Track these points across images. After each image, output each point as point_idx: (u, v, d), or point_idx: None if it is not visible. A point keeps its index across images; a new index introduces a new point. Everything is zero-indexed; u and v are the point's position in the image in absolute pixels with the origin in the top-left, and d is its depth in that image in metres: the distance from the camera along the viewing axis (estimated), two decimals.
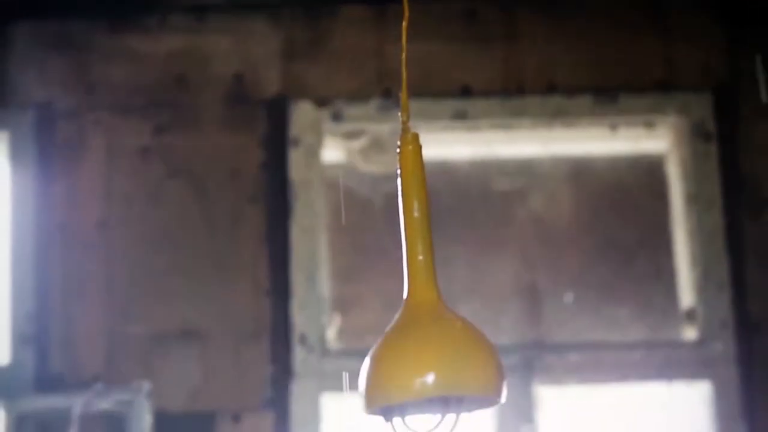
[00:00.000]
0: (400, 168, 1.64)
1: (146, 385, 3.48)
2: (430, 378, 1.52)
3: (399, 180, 1.64)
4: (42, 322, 3.61)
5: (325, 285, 3.66)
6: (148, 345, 3.60)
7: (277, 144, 3.72)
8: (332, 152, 3.80)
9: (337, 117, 3.75)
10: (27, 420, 3.53)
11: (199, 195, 3.68)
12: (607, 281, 3.74)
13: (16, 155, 3.73)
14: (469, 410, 1.61)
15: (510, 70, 3.78)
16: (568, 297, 3.69)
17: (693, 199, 3.70)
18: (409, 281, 1.62)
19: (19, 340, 3.61)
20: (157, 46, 3.79)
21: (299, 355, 3.57)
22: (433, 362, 1.52)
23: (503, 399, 1.59)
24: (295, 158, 3.69)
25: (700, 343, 3.64)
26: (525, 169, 3.83)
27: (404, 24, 1.68)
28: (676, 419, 3.63)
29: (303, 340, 3.58)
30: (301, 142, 3.71)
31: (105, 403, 3.48)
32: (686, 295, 3.70)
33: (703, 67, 3.78)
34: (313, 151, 3.70)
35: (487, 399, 1.59)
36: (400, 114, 1.66)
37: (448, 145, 3.81)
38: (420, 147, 1.65)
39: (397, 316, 1.61)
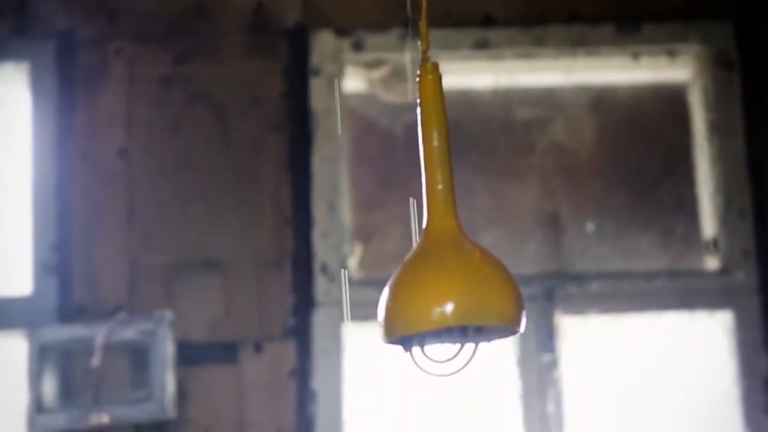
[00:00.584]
0: (420, 97, 1.63)
1: (168, 315, 3.50)
2: (449, 307, 1.52)
3: (419, 109, 1.63)
4: (64, 252, 3.63)
5: (346, 214, 3.67)
6: (170, 274, 3.61)
7: (298, 73, 3.71)
8: (353, 82, 3.78)
9: (357, 46, 3.74)
10: (49, 350, 3.56)
11: (221, 124, 3.68)
12: (629, 210, 3.73)
13: (37, 85, 3.73)
14: (488, 340, 1.62)
15: None
16: (590, 226, 3.69)
17: (715, 127, 3.68)
18: (429, 210, 1.61)
19: (42, 269, 3.63)
20: None
21: (321, 285, 3.58)
22: (452, 291, 1.53)
23: (522, 329, 1.59)
24: (316, 87, 3.68)
25: (722, 272, 3.64)
26: (547, 98, 3.80)
27: None
28: (698, 349, 3.63)
29: (324, 269, 3.59)
30: (322, 71, 3.69)
31: (127, 333, 3.50)
32: (708, 224, 3.69)
33: None
34: (334, 81, 3.69)
35: (506, 329, 1.59)
36: (420, 43, 1.66)
37: (469, 74, 3.79)
38: (440, 76, 1.64)
39: (415, 245, 1.61)
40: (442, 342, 1.60)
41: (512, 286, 1.57)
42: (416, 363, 1.60)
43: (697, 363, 3.63)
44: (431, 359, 1.59)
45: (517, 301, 1.56)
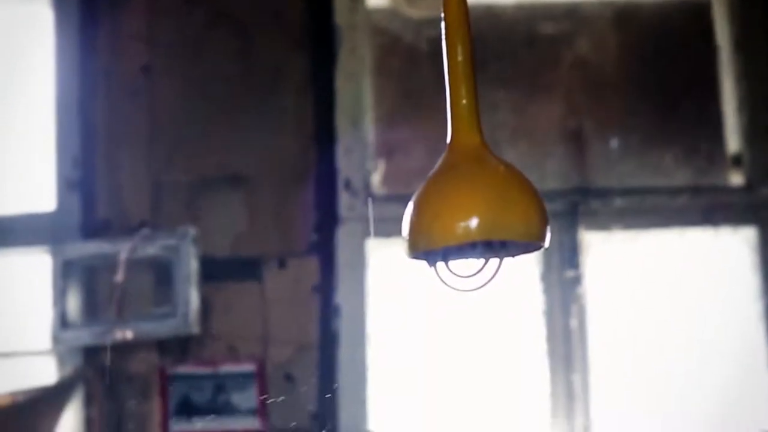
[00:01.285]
0: (444, 12, 1.62)
1: (192, 231, 3.51)
2: (474, 222, 1.51)
3: (443, 24, 1.61)
4: (87, 168, 3.64)
5: (369, 130, 3.66)
6: (194, 191, 3.62)
7: None
8: None
9: None
10: (73, 265, 3.58)
11: (243, 41, 3.66)
12: (653, 126, 3.71)
13: (60, 1, 3.72)
14: (513, 255, 1.61)
15: None
16: (614, 142, 3.67)
17: (739, 44, 3.65)
18: (453, 125, 1.60)
19: (65, 185, 3.64)
20: None
21: (344, 201, 3.58)
22: (477, 206, 1.52)
23: (546, 244, 1.58)
24: (340, 3, 3.65)
25: (746, 188, 3.62)
26: (571, 13, 3.77)
27: None
28: (721, 266, 3.63)
29: (348, 185, 3.59)
30: None
31: (151, 249, 3.52)
32: (732, 140, 3.67)
33: None
34: None
35: (531, 244, 1.59)
36: None
37: None
38: None
39: (440, 160, 1.60)
40: (467, 257, 1.60)
41: (537, 201, 1.56)
42: (440, 278, 1.60)
43: (720, 279, 3.63)
44: (455, 274, 1.59)
45: (542, 216, 1.56)
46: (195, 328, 3.49)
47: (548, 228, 1.57)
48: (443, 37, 1.61)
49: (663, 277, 3.61)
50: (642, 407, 3.53)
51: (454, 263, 1.60)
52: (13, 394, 3.50)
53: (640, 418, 3.52)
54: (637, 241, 3.64)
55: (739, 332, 3.58)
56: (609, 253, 3.63)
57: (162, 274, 3.56)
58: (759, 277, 3.57)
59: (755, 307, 3.57)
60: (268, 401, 3.48)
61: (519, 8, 3.76)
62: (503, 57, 3.72)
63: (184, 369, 3.55)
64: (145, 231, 3.53)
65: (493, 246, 1.58)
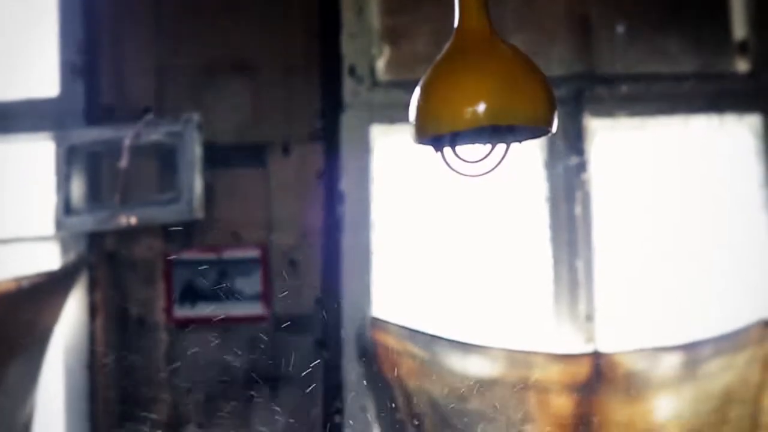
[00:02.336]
0: None
1: (196, 117, 3.49)
2: (481, 106, 1.51)
3: None
4: (91, 54, 3.61)
5: (374, 15, 3.62)
6: (199, 77, 3.60)
7: None
8: None
9: None
10: (77, 151, 3.57)
11: None
12: (659, 12, 3.67)
13: None
14: (520, 140, 1.61)
15: None
16: (620, 28, 3.64)
17: None
18: (460, 9, 1.59)
19: (69, 71, 3.62)
20: None
21: (349, 87, 3.56)
22: (485, 91, 1.51)
23: (554, 129, 1.58)
24: None
25: (752, 74, 3.60)
26: None
27: None
28: (725, 153, 3.62)
29: (352, 71, 3.56)
30: None
31: (155, 135, 3.51)
32: (739, 26, 3.63)
33: None
34: None
35: (538, 129, 1.58)
36: None
37: None
38: None
39: (447, 45, 1.59)
40: (473, 142, 1.60)
41: (544, 86, 1.55)
42: (447, 163, 1.60)
43: (724, 167, 3.62)
44: (462, 159, 1.59)
45: (549, 101, 1.55)
46: (199, 214, 3.49)
47: (556, 113, 1.57)
48: None
49: (668, 164, 3.61)
50: (646, 294, 3.56)
51: (460, 148, 1.60)
52: (17, 279, 3.52)
53: (643, 304, 3.55)
54: (643, 128, 3.63)
55: (742, 220, 3.59)
56: (614, 139, 3.62)
57: (166, 160, 3.55)
58: (763, 164, 3.57)
59: (759, 194, 3.57)
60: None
61: None
62: None
63: (188, 255, 3.56)
64: (149, 117, 3.52)
65: (501, 131, 1.58)
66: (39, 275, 3.56)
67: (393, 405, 3.33)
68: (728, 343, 3.45)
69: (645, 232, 3.59)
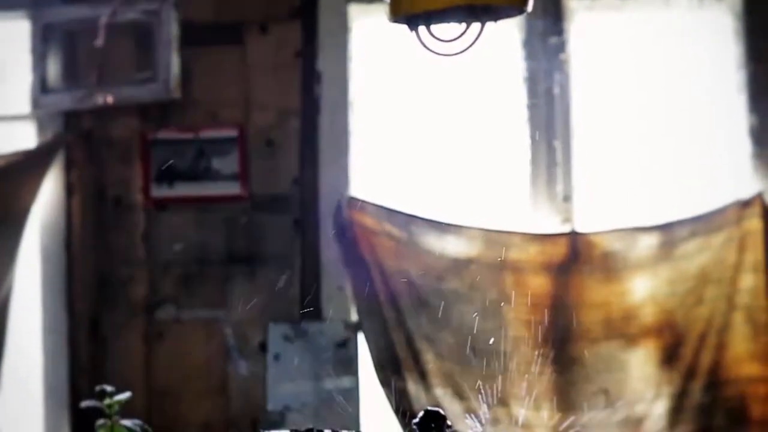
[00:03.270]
0: None
1: None
2: None
3: None
4: None
5: None
6: None
7: None
8: None
9: None
10: (53, 30, 3.54)
11: None
12: None
13: None
14: (495, 19, 1.59)
15: None
16: None
17: None
18: None
19: None
20: None
21: None
22: None
23: (529, 8, 1.56)
24: None
25: None
26: None
27: None
28: (705, 34, 3.59)
29: None
30: None
31: (131, 13, 3.47)
32: None
33: None
34: None
35: (513, 8, 1.56)
36: None
37: None
38: None
39: None
40: (449, 21, 1.58)
41: None
42: (422, 42, 1.58)
43: (703, 48, 3.60)
44: (437, 38, 1.58)
45: None
46: (176, 94, 3.47)
47: None
48: None
49: (647, 44, 3.58)
50: (623, 175, 3.56)
51: (436, 27, 1.58)
52: None
53: (621, 185, 3.55)
54: (622, 9, 3.59)
55: (720, 101, 3.58)
56: (593, 20, 3.59)
57: (143, 38, 3.52)
58: (741, 45, 3.54)
59: (737, 76, 3.55)
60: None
61: None
62: None
63: (165, 134, 3.55)
64: None
65: (476, 11, 1.56)
66: (15, 154, 3.55)
67: (370, 284, 3.34)
68: (705, 223, 3.46)
69: (623, 112, 3.58)
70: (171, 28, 3.45)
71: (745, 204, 3.46)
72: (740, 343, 3.46)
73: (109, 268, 3.54)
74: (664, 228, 3.47)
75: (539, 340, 3.36)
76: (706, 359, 3.45)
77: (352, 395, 3.34)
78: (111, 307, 3.53)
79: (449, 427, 1.55)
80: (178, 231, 3.53)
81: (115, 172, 3.57)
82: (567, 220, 3.50)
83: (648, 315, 3.44)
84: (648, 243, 3.46)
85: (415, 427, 1.56)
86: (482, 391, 3.33)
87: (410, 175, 3.53)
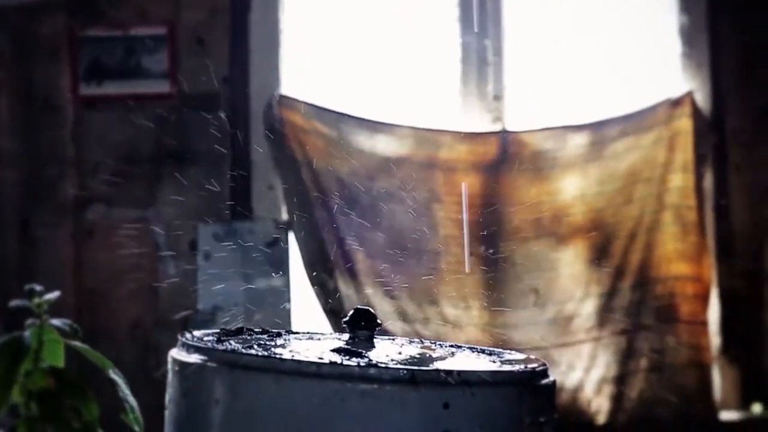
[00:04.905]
0: None
1: None
2: None
3: None
4: None
5: None
6: None
7: None
8: None
9: None
10: None
11: None
12: None
13: None
14: None
15: None
16: None
17: None
18: None
19: None
20: None
21: None
22: None
23: None
24: None
25: None
26: None
27: None
28: None
29: None
30: None
31: None
32: None
33: None
34: None
35: None
36: None
37: None
38: None
39: None
40: None
41: None
42: None
43: None
44: None
45: None
46: None
47: None
48: None
49: None
50: (554, 74, 3.55)
51: None
52: None
53: (552, 84, 3.54)
54: None
55: (656, 48, 3.56)
56: None
57: None
58: None
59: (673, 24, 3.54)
60: None
61: None
62: None
63: (94, 32, 3.50)
64: None
65: None
66: None
67: (300, 184, 3.34)
68: (635, 123, 3.47)
69: (554, 11, 3.56)
70: None
71: (675, 103, 3.47)
72: (669, 243, 3.49)
73: (38, 168, 3.51)
74: (594, 127, 3.48)
75: (469, 239, 3.37)
76: (635, 258, 3.48)
77: (282, 295, 3.35)
78: (40, 206, 3.51)
79: (379, 325, 1.56)
80: (107, 130, 3.49)
81: (43, 71, 3.52)
82: (498, 119, 3.50)
83: (578, 214, 3.46)
84: (578, 142, 3.47)
85: (345, 325, 1.56)
86: (412, 291, 3.35)
87: (341, 73, 3.51)
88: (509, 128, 3.47)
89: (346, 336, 1.59)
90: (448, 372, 1.33)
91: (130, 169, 3.48)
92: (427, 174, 3.42)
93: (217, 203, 3.44)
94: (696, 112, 3.48)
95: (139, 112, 3.45)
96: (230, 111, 3.46)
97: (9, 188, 3.52)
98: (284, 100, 3.41)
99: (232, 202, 3.44)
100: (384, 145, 3.41)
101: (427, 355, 1.51)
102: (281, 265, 3.36)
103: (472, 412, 1.33)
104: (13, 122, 3.52)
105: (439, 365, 1.42)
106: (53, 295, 2.14)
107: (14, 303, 2.16)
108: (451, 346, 1.63)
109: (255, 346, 1.47)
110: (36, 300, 2.12)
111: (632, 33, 3.55)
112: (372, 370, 1.33)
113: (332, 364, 1.35)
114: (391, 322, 3.25)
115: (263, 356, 1.38)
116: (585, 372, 3.43)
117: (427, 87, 3.52)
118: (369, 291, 3.33)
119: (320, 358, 1.37)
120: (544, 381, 1.42)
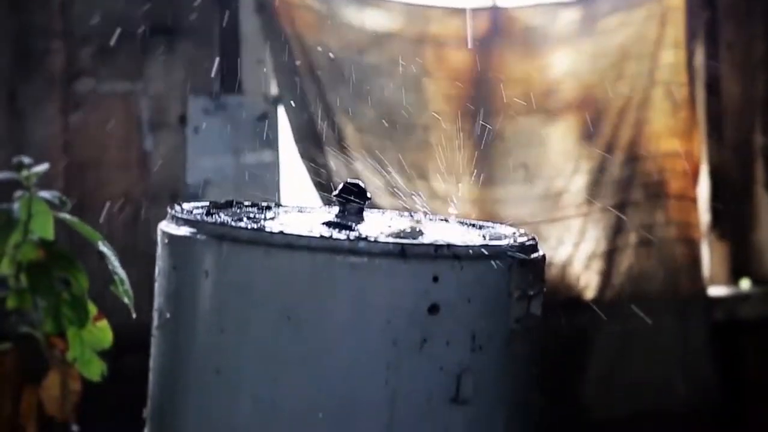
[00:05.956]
0: None
1: None
2: None
3: None
4: None
5: None
6: None
7: None
8: None
9: None
10: None
11: None
12: None
13: None
14: None
15: None
16: None
17: None
18: None
19: None
20: None
21: None
22: None
23: None
24: None
25: None
26: None
27: None
28: None
29: None
30: None
31: None
32: None
33: None
34: None
35: None
36: None
37: None
38: None
39: None
40: None
41: None
42: None
43: None
44: None
45: None
46: None
47: None
48: None
49: None
50: None
51: None
52: None
53: None
54: None
55: None
56: None
57: None
58: None
59: None
60: None
61: None
62: None
63: None
64: None
65: None
66: None
67: (290, 58, 3.31)
68: None
69: None
70: None
71: None
72: (660, 119, 3.49)
73: (26, 41, 3.47)
74: (586, 3, 3.45)
75: (459, 114, 3.37)
76: (625, 134, 3.48)
77: (271, 169, 3.35)
78: (28, 79, 3.47)
79: (369, 199, 1.56)
80: (96, 2, 3.45)
81: None
82: None
83: (568, 90, 3.45)
84: (569, 18, 3.44)
85: (334, 199, 1.57)
86: (402, 165, 3.35)
87: None
88: (499, 4, 3.44)
89: (335, 209, 1.59)
90: (438, 245, 1.34)
91: (118, 42, 3.44)
92: (417, 49, 3.39)
93: (207, 77, 3.42)
94: None
95: None
96: None
97: None
98: None
99: (221, 76, 3.42)
100: (374, 20, 3.38)
101: (417, 229, 1.51)
102: (271, 140, 3.35)
103: (462, 286, 1.34)
104: None
105: (428, 239, 1.42)
106: (42, 167, 2.14)
107: (2, 175, 2.16)
108: (441, 219, 1.63)
109: (245, 219, 1.47)
110: (24, 172, 2.12)
111: None
112: (362, 243, 1.33)
113: (322, 237, 1.35)
114: (380, 197, 3.25)
115: (253, 229, 1.38)
116: (574, 247, 3.45)
117: None
118: (359, 165, 3.33)
119: (310, 231, 1.38)
120: (534, 255, 1.42)
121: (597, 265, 3.46)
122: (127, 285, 1.97)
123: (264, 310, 1.35)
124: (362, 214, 1.57)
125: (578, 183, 3.47)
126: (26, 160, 2.14)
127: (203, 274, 1.38)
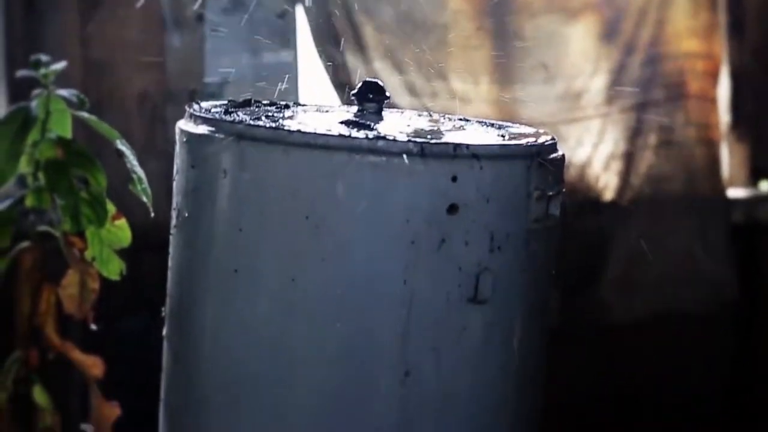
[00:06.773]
0: None
1: None
2: None
3: None
4: None
5: None
6: None
7: None
8: None
9: None
10: None
11: None
12: None
13: None
14: None
15: None
16: None
17: None
18: None
19: None
20: None
21: None
22: None
23: None
24: None
25: None
26: None
27: None
28: None
29: None
30: None
31: None
32: None
33: None
34: None
35: None
36: None
37: None
38: None
39: None
40: None
41: None
42: None
43: None
44: None
45: None
46: None
47: None
48: None
49: None
50: None
51: None
52: None
53: None
54: None
55: None
56: None
57: None
58: None
59: None
60: None
61: None
62: None
63: None
64: None
65: None
66: None
67: None
68: None
69: None
70: None
71: None
72: (681, 19, 3.45)
73: None
74: None
75: (479, 12, 3.34)
76: (645, 34, 3.44)
77: (290, 68, 3.33)
78: None
79: (387, 98, 1.55)
80: None
81: None
82: None
83: None
84: None
85: (353, 98, 1.56)
86: (421, 65, 3.34)
87: None
88: None
89: (354, 109, 1.59)
90: (457, 144, 1.33)
91: None
92: None
93: None
94: None
95: None
96: None
97: None
98: None
99: None
100: None
101: (436, 129, 1.51)
102: (289, 39, 3.33)
103: (481, 186, 1.34)
104: None
105: (447, 138, 1.41)
106: (60, 65, 2.13)
107: (21, 73, 2.15)
108: (460, 119, 1.62)
109: (263, 118, 1.46)
110: (42, 70, 2.11)
111: None
112: (380, 143, 1.33)
113: (341, 136, 1.35)
114: (399, 97, 3.24)
115: (271, 128, 1.38)
116: (593, 148, 3.44)
117: None
118: (377, 65, 3.31)
119: (329, 130, 1.37)
120: (553, 155, 1.42)
121: (616, 166, 3.45)
122: (146, 183, 1.97)
123: (282, 209, 1.35)
124: (381, 113, 1.56)
125: (598, 83, 3.45)
126: (44, 57, 2.13)
127: (221, 172, 1.38)
